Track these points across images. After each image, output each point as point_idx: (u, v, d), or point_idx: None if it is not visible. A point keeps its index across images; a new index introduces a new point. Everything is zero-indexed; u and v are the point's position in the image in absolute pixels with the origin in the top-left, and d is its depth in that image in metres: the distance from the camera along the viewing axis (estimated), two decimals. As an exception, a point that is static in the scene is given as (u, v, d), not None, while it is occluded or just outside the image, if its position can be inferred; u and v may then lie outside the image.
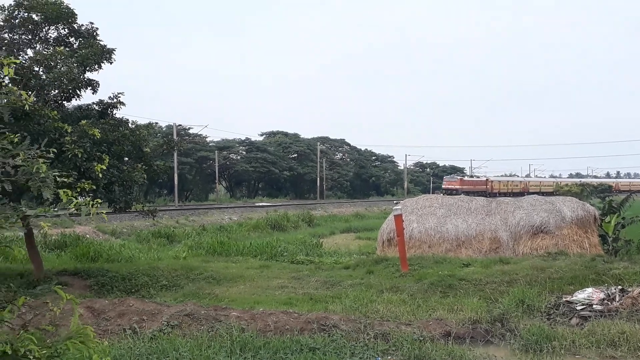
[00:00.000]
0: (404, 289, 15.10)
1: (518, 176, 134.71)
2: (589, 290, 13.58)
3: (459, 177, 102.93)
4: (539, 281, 15.34)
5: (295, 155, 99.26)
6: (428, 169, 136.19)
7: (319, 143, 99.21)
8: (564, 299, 13.26)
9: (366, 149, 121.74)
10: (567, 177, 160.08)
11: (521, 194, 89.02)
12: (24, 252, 17.33)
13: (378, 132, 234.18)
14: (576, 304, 12.83)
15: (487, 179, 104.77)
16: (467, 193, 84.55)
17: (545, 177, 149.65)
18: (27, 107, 4.15)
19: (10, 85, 4.12)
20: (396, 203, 23.38)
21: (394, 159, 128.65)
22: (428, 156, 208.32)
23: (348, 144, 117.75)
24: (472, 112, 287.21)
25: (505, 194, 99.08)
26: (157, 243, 28.83)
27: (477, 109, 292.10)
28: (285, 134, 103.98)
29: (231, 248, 25.21)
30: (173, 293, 15.74)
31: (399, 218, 18.81)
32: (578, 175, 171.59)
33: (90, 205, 4.06)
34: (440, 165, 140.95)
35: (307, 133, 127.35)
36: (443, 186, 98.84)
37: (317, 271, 18.95)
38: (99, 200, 4.26)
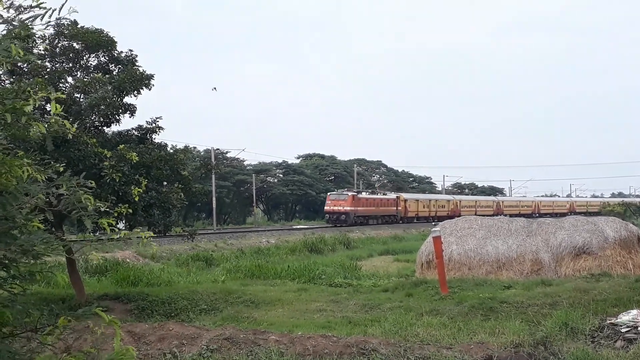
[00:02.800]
0: (444, 312, 14.88)
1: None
2: (634, 312, 13.20)
3: (350, 194, 68.23)
4: (582, 303, 14.97)
5: (332, 177, 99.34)
6: (466, 190, 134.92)
7: (355, 165, 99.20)
8: (608, 322, 12.90)
9: (403, 170, 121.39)
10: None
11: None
12: (66, 277, 17.60)
13: (415, 153, 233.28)
14: (621, 326, 12.48)
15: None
16: (371, 217, 70.41)
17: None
18: (70, 135, 4.23)
19: (53, 115, 4.19)
20: (435, 225, 23.17)
21: (432, 180, 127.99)
22: (466, 177, 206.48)
23: (385, 166, 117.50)
24: (512, 132, 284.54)
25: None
26: (196, 266, 28.99)
27: (518, 129, 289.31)
28: (322, 157, 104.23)
29: (269, 271, 25.21)
30: (212, 317, 15.77)
31: (437, 240, 18.62)
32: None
33: (143, 238, 4.14)
34: (479, 185, 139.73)
35: (343, 155, 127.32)
36: (325, 208, 68.31)
37: (355, 294, 18.81)
38: (151, 233, 4.32)
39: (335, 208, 66.12)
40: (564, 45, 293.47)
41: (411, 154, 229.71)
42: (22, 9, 3.52)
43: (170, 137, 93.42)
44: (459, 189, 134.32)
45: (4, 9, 3.43)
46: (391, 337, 11.93)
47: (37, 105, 4.01)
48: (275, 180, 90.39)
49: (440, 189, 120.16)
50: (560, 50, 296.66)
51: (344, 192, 69.42)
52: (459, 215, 47.54)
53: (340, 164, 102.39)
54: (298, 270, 24.90)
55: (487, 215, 32.13)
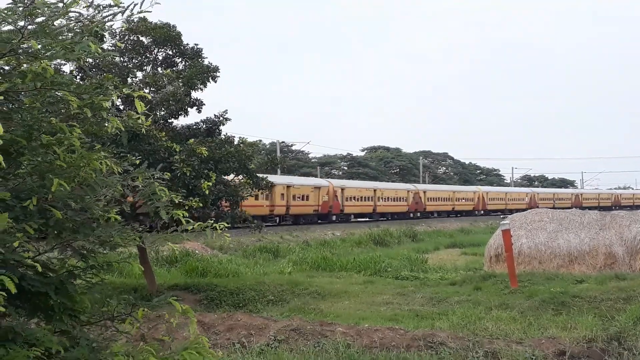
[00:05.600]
0: (513, 306, 14.65)
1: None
2: None
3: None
4: (658, 298, 14.47)
5: (397, 170, 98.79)
6: (536, 182, 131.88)
7: (421, 157, 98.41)
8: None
9: (470, 163, 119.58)
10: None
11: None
12: (140, 267, 18.11)
13: (483, 145, 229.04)
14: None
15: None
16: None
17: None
18: (143, 130, 4.34)
19: (127, 109, 4.32)
20: (503, 217, 22.76)
21: (500, 172, 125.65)
22: (536, 169, 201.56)
23: (451, 158, 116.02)
24: (584, 123, 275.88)
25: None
26: (262, 258, 29.31)
27: (590, 120, 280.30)
28: (387, 149, 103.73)
29: (335, 263, 25.29)
30: (279, 308, 15.95)
31: (507, 233, 18.32)
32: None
33: (217, 228, 4.22)
34: (549, 178, 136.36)
35: (409, 147, 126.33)
36: None
37: (422, 287, 18.69)
38: (225, 224, 4.40)
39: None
40: (633, 36, 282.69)
41: (478, 145, 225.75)
42: (102, 8, 3.63)
43: (237, 129, 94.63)
44: (528, 181, 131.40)
45: (84, 7, 3.54)
46: (459, 331, 11.82)
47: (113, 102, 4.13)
48: (340, 172, 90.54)
49: (508, 181, 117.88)
50: (630, 40, 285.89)
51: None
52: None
53: (405, 156, 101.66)
54: (364, 263, 24.88)
55: (566, 208, 30.24)
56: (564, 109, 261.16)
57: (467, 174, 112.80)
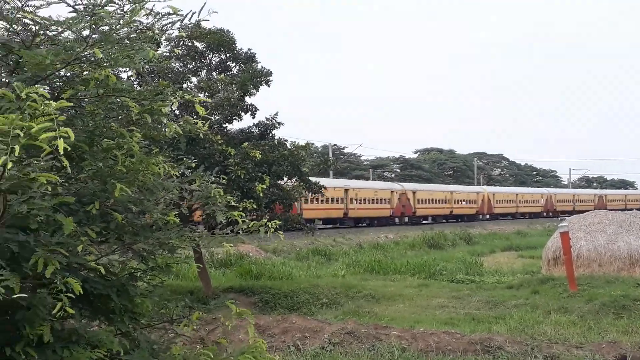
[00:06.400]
0: (572, 309, 14.36)
1: None
2: None
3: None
4: None
5: (451, 172, 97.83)
6: (595, 184, 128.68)
7: (475, 159, 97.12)
8: None
9: (526, 164, 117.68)
10: None
11: None
12: (193, 270, 18.41)
13: (539, 146, 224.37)
14: None
15: None
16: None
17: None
18: (201, 134, 4.40)
19: (182, 115, 4.40)
20: (561, 220, 22.24)
21: (557, 174, 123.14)
22: (594, 170, 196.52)
23: (507, 159, 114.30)
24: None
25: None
26: (315, 261, 29.40)
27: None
28: (440, 151, 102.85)
29: (389, 266, 25.18)
30: (333, 311, 15.96)
31: (565, 235, 17.95)
32: None
33: (271, 227, 4.27)
34: (608, 179, 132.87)
35: (462, 149, 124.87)
36: None
37: (478, 290, 18.46)
38: (277, 222, 4.44)
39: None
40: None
41: (534, 146, 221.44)
42: (161, 16, 3.70)
43: (287, 132, 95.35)
44: (586, 182, 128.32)
45: (144, 15, 3.61)
46: (517, 335, 11.64)
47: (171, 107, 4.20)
48: (393, 175, 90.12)
49: (565, 182, 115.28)
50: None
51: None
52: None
53: (459, 157, 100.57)
54: (418, 266, 24.70)
55: (587, 211, 28.35)
56: (624, 108, 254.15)
57: (523, 175, 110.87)
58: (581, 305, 14.79)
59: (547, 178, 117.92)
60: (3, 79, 3.59)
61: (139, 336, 4.01)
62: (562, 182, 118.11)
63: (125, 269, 4.05)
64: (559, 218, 28.41)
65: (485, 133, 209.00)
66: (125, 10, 3.55)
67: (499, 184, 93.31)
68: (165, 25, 3.77)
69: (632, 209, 44.90)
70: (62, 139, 2.69)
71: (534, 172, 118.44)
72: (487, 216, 67.40)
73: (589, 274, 19.52)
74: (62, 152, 2.71)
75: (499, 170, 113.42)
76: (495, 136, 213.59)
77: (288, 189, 16.86)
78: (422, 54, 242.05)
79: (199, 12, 3.83)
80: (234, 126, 17.47)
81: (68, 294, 3.12)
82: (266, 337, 11.30)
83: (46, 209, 3.01)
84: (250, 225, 4.58)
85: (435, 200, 60.20)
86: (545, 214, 75.01)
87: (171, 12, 3.71)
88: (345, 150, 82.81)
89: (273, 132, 17.74)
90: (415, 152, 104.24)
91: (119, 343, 3.66)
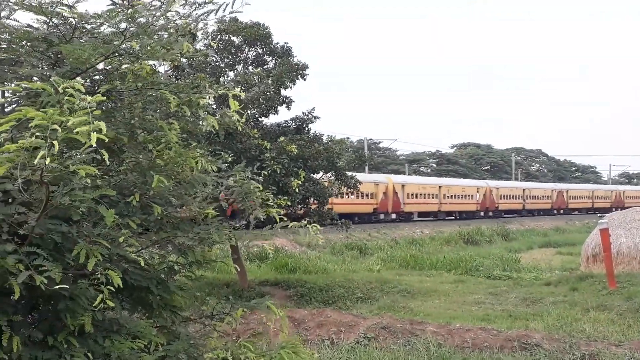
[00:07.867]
0: (612, 307, 14.13)
1: None
2: None
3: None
4: None
5: (488, 167, 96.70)
6: (635, 180, 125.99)
7: (513, 154, 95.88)
8: None
9: (565, 160, 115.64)
10: None
11: None
12: (229, 263, 18.54)
13: (579, 141, 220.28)
14: None
15: None
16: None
17: None
18: (239, 127, 4.41)
19: (221, 108, 4.42)
20: (601, 216, 21.84)
21: (597, 170, 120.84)
22: (636, 166, 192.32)
23: (545, 155, 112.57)
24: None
25: None
26: (350, 255, 29.37)
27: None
28: (478, 146, 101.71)
29: (424, 262, 25.04)
30: (368, 305, 15.95)
31: (605, 232, 17.62)
32: None
33: (311, 229, 4.27)
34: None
35: (500, 144, 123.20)
36: None
37: (515, 287, 18.27)
38: (317, 226, 4.44)
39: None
40: None
41: (574, 141, 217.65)
42: (197, 5, 3.71)
43: (323, 126, 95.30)
44: (626, 178, 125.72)
45: (181, 5, 3.63)
46: (555, 332, 11.49)
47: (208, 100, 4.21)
48: (429, 170, 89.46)
49: (605, 178, 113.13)
50: None
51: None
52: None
53: (496, 153, 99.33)
54: (454, 262, 24.52)
55: (605, 208, 26.46)
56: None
57: (562, 171, 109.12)
58: (620, 302, 14.56)
59: (587, 174, 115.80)
60: (45, 73, 3.63)
61: (178, 328, 4.04)
62: (602, 178, 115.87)
63: (165, 262, 4.09)
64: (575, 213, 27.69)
65: (523, 128, 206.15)
66: (162, 1, 3.57)
67: (536, 180, 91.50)
68: (201, 15, 3.78)
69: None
70: (95, 133, 2.72)
71: (573, 168, 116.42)
72: (490, 213, 60.27)
73: (629, 271, 19.18)
74: (94, 145, 2.74)
75: (537, 165, 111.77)
76: (533, 132, 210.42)
77: (325, 182, 16.84)
78: (463, 47, 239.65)
79: (232, 3, 3.83)
80: (270, 120, 17.55)
81: (108, 287, 3.16)
82: (301, 331, 11.35)
83: (88, 200, 3.04)
84: (290, 225, 4.59)
85: (428, 195, 53.97)
86: (555, 211, 69.66)
87: (207, 0, 3.72)
88: (381, 145, 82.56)
89: (309, 126, 17.76)
90: (452, 147, 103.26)
91: (158, 335, 3.70)
